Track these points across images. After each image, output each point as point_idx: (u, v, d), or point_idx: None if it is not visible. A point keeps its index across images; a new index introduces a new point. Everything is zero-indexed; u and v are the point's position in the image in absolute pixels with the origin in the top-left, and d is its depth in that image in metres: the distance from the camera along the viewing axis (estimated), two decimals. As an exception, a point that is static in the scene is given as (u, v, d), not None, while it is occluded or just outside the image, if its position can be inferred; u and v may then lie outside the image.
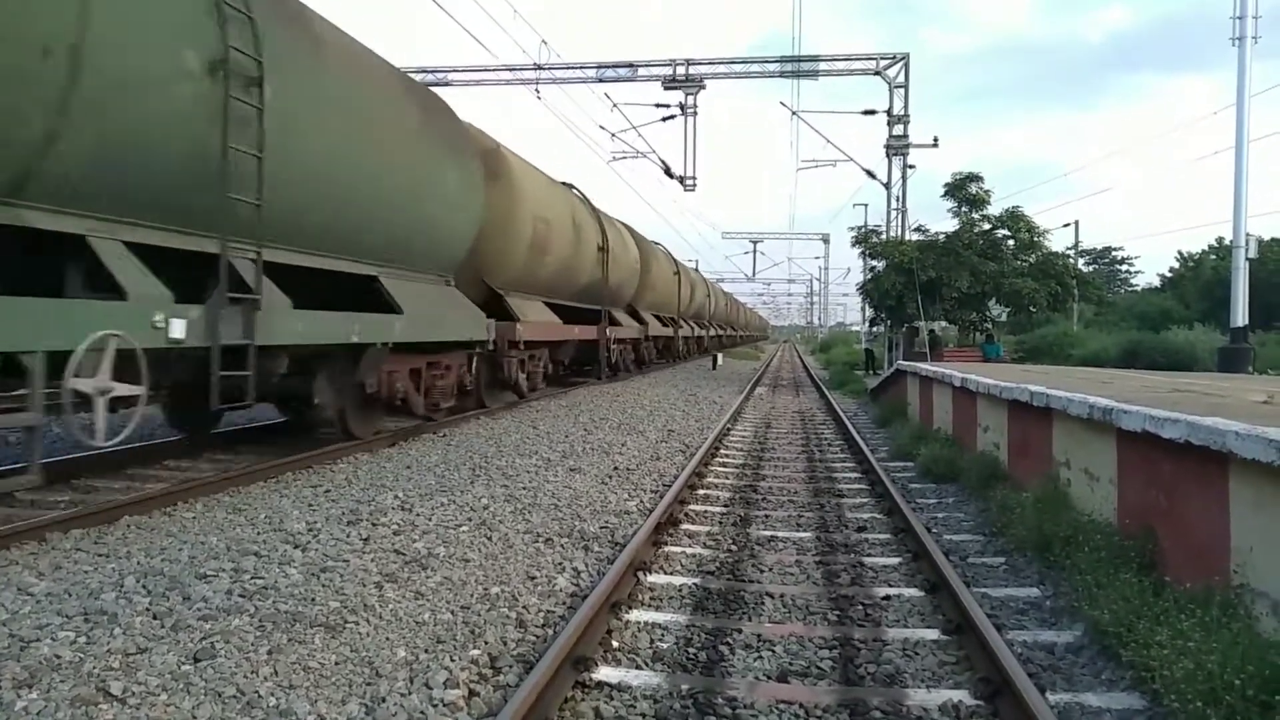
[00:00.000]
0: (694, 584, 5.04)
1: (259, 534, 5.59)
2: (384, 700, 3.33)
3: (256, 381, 6.67)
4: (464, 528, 5.95)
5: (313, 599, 4.32)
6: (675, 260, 30.25)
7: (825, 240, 70.09)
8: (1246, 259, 16.47)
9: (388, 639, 3.93)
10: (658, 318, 26.64)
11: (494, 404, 13.41)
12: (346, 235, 8.39)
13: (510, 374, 13.18)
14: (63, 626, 3.86)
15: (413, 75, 23.40)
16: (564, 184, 17.06)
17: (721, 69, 24.32)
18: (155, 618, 4.00)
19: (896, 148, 23.47)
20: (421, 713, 3.26)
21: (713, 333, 44.15)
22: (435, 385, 10.73)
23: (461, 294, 11.29)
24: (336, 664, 3.64)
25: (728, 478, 8.70)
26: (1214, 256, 44.69)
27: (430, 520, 6.10)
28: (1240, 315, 16.47)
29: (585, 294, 17.58)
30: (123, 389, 5.47)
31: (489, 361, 12.73)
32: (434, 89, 21.91)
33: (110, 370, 5.35)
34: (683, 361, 32.01)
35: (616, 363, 21.00)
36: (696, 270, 42.05)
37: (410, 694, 3.40)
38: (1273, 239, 39.48)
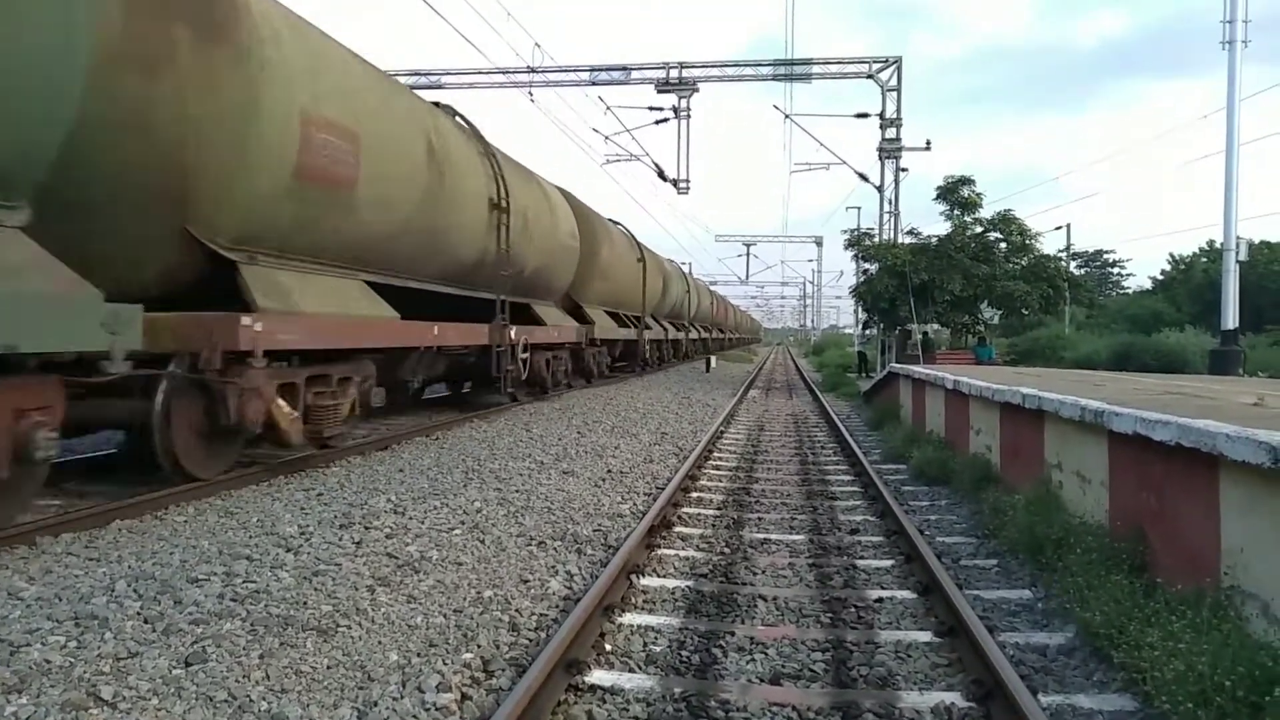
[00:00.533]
0: (687, 587, 5.05)
1: (251, 537, 5.57)
2: (376, 704, 3.32)
3: None
4: (457, 531, 5.94)
5: (305, 603, 4.31)
6: (640, 245, 24.27)
7: (818, 243, 70.42)
8: (1237, 262, 16.56)
9: (380, 643, 3.92)
10: (613, 315, 21.31)
11: (211, 471, 7.22)
12: None
13: (237, 414, 6.90)
14: (53, 631, 3.84)
15: (405, 78, 23.55)
16: (436, 104, 11.74)
17: (714, 72, 24.42)
18: (146, 622, 3.98)
19: (889, 151, 23.61)
20: (414, 716, 3.25)
21: (695, 335, 38.88)
22: None
23: (46, 254, 5.28)
24: (328, 668, 3.63)
25: (721, 480, 8.70)
26: (1205, 259, 44.94)
27: (423, 523, 6.08)
28: (1231, 318, 16.57)
29: (474, 275, 12.19)
30: None
31: (203, 390, 6.90)
32: (427, 92, 21.94)
33: None
34: (653, 371, 26.96)
35: (538, 377, 15.32)
36: (674, 263, 34.95)
37: (403, 698, 3.39)
38: (1263, 242, 39.77)
